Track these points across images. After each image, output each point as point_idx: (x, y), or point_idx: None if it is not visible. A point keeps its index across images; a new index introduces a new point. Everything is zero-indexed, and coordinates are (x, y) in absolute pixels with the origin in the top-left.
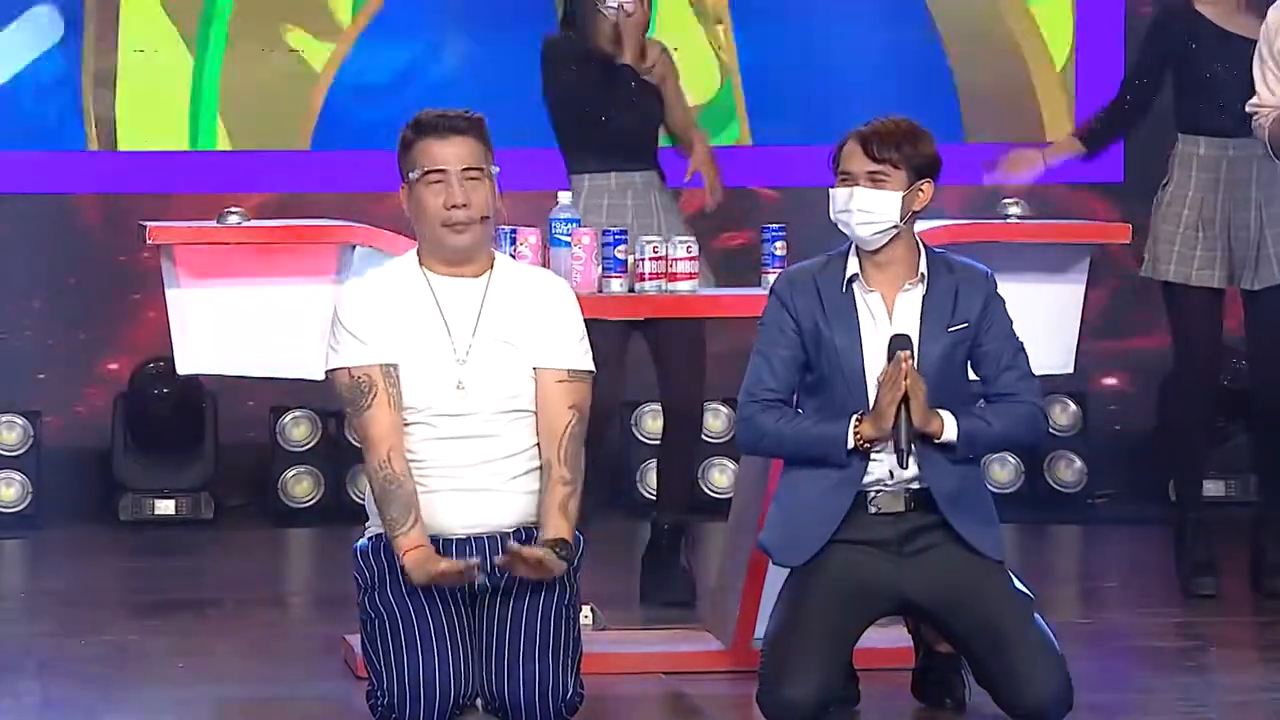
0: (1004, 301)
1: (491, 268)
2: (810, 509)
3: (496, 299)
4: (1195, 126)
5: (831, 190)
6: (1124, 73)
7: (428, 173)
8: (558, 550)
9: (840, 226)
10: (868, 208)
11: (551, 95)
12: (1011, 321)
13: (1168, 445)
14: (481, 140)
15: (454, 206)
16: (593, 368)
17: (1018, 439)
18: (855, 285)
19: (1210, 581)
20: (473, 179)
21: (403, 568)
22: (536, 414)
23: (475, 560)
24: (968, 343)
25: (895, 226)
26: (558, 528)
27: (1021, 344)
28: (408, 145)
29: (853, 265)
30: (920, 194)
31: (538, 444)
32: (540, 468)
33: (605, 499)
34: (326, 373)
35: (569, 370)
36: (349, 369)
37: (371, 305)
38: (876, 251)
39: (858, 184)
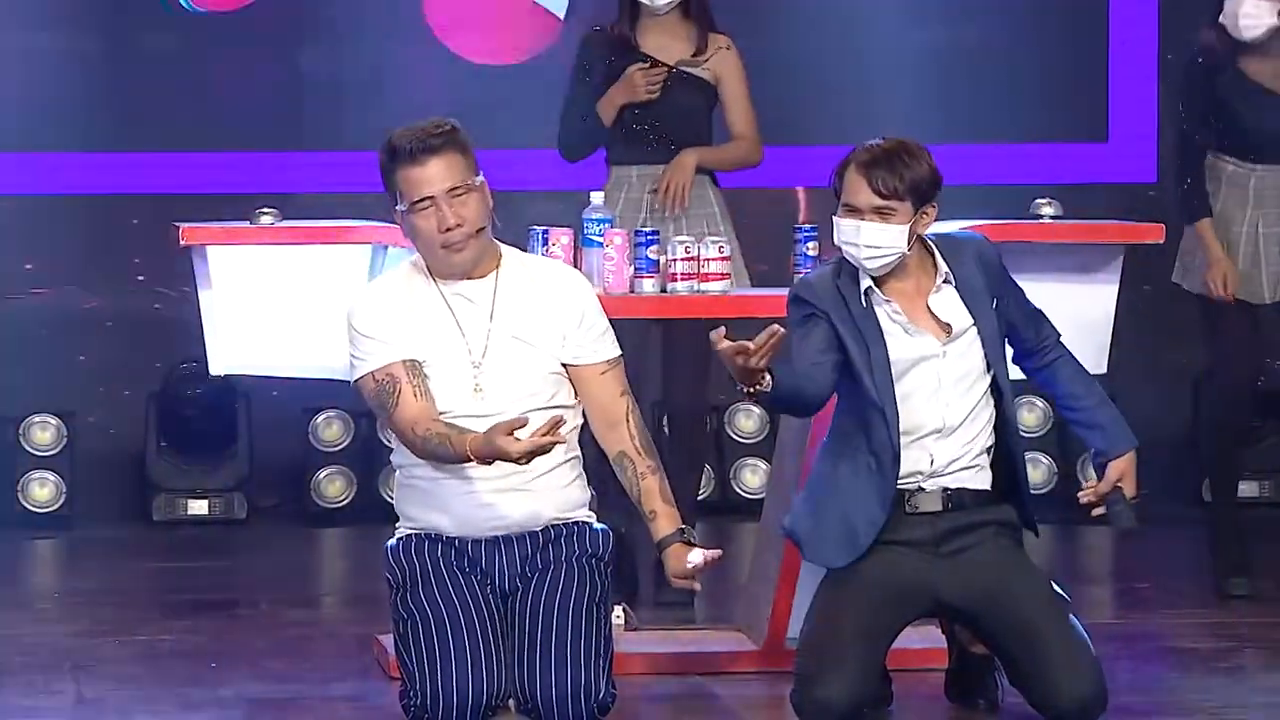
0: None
1: (498, 266)
2: (851, 513)
3: (507, 296)
4: (1225, 149)
5: (835, 219)
6: (1183, 135)
7: (415, 203)
8: (691, 540)
9: (846, 254)
10: (875, 242)
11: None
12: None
13: (1202, 446)
14: (459, 151)
15: (448, 229)
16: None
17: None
18: (873, 296)
19: (1244, 582)
20: (460, 195)
21: (475, 455)
22: (585, 409)
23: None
24: (1006, 313)
25: (903, 255)
26: (671, 518)
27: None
28: (387, 173)
29: (866, 278)
30: (925, 217)
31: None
32: (574, 459)
33: None
34: (353, 384)
35: (607, 360)
36: (372, 373)
37: (385, 309)
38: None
39: (863, 218)
